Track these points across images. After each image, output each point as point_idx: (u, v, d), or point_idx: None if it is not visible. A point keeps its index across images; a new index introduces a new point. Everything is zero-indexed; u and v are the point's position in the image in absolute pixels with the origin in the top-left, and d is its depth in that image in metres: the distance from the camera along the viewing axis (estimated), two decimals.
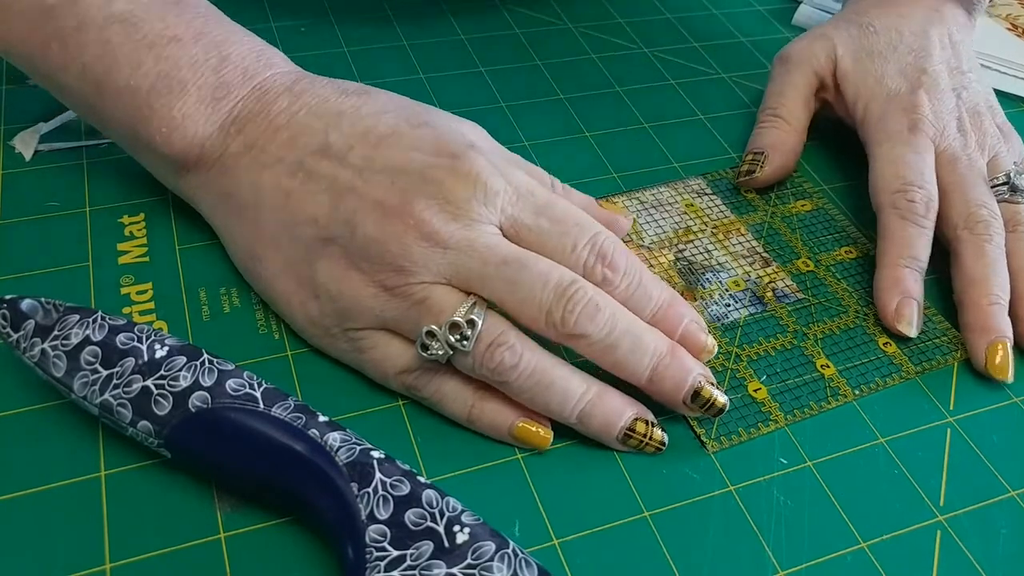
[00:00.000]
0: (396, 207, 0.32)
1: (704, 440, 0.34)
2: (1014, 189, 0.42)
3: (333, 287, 0.33)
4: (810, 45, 0.48)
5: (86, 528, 0.29)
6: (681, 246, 0.41)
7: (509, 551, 0.27)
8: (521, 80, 0.51)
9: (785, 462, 0.34)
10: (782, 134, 0.46)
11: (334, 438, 0.29)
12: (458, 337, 0.31)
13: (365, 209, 0.32)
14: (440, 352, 0.31)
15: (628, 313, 0.33)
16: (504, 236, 0.33)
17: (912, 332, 0.38)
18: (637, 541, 0.31)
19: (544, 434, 0.33)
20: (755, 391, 0.36)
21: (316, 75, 0.37)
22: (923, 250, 0.39)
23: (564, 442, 0.33)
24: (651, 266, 0.40)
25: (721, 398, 0.33)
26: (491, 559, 0.27)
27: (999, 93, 0.55)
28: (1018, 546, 0.32)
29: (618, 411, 0.33)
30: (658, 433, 0.33)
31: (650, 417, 0.33)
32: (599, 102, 0.50)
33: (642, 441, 0.33)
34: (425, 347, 0.31)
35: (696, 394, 0.33)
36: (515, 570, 0.27)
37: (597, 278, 0.33)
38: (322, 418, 0.29)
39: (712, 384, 0.33)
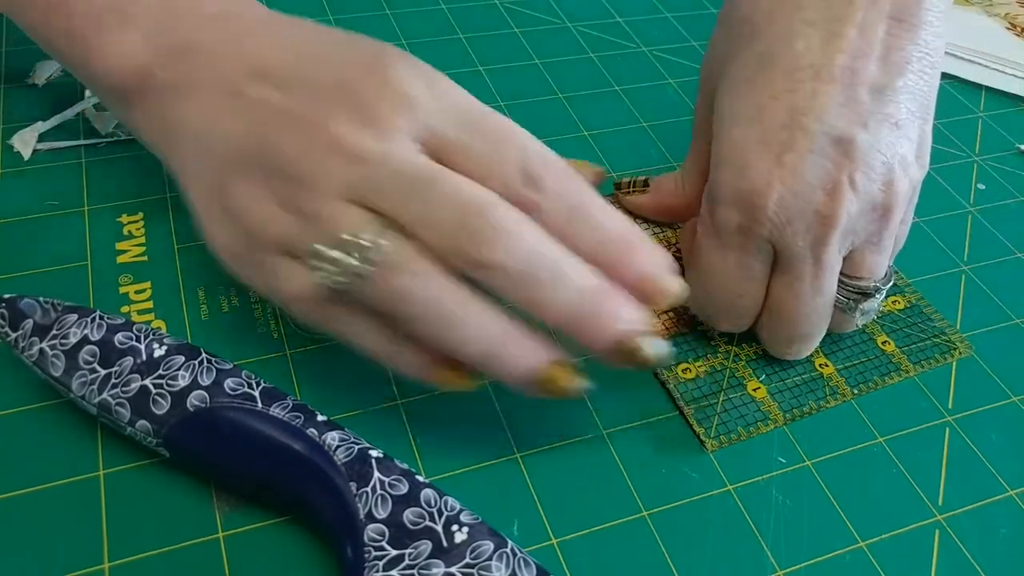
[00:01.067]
0: (311, 120, 0.29)
1: (703, 439, 0.34)
2: (853, 305, 0.34)
3: (242, 206, 0.30)
4: (704, 66, 0.38)
5: (85, 527, 0.29)
6: (680, 246, 0.41)
7: (508, 550, 0.27)
8: (520, 79, 0.51)
9: (784, 461, 0.34)
10: (667, 192, 0.41)
11: (332, 437, 0.29)
12: (356, 258, 0.28)
13: (283, 125, 0.30)
14: (335, 274, 0.28)
15: (552, 243, 0.29)
16: (425, 152, 0.29)
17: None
18: (636, 540, 0.31)
19: (466, 379, 0.30)
20: (754, 390, 0.36)
21: (255, 2, 0.35)
22: None
23: (563, 441, 0.33)
24: None
25: (651, 350, 0.29)
26: (489, 558, 0.27)
27: (997, 93, 0.55)
28: (1017, 546, 0.32)
29: (532, 354, 0.29)
30: (577, 380, 0.30)
31: (570, 360, 0.30)
32: (598, 101, 0.50)
33: (560, 388, 0.29)
34: (316, 268, 0.29)
35: (623, 346, 0.29)
36: (513, 569, 0.27)
37: (523, 202, 0.29)
38: (320, 417, 0.29)
39: (647, 334, 0.29)
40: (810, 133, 0.31)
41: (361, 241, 0.28)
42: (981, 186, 0.48)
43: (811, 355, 0.37)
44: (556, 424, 0.34)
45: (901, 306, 0.40)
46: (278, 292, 0.30)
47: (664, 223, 0.42)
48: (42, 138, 0.43)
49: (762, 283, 0.34)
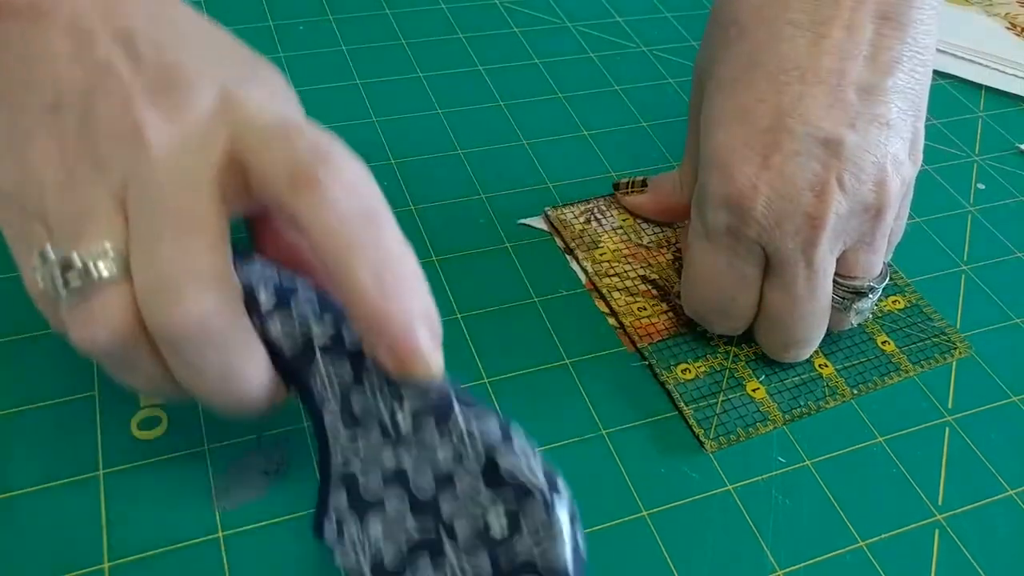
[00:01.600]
0: (137, 100, 0.26)
1: (703, 440, 0.34)
2: (847, 305, 0.34)
3: (34, 155, 0.26)
4: (696, 66, 0.37)
5: (85, 527, 0.29)
6: (680, 245, 0.41)
7: (449, 423, 0.25)
8: (520, 79, 0.51)
9: (784, 461, 0.34)
10: (666, 191, 0.41)
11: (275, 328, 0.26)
12: (65, 277, 0.25)
13: (113, 94, 0.26)
14: (43, 284, 0.25)
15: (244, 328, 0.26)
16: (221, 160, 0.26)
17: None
18: (636, 540, 0.31)
19: None
20: (753, 391, 0.36)
21: None
22: None
23: (563, 441, 0.33)
24: (649, 265, 0.40)
25: None
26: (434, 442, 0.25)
27: (997, 92, 0.55)
28: (1016, 545, 0.32)
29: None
30: None
31: None
32: (597, 101, 0.50)
33: None
34: (36, 268, 0.26)
35: None
36: (462, 437, 0.25)
37: (305, 176, 0.24)
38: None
39: None
40: (796, 135, 0.31)
41: (84, 263, 0.25)
42: (981, 186, 0.48)
43: (810, 355, 0.37)
44: (556, 424, 0.34)
45: (901, 306, 0.40)
46: (20, 262, 0.27)
47: (663, 223, 0.42)
48: None
49: (754, 286, 0.34)
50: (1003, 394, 0.37)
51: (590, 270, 0.40)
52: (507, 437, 0.25)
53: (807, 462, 0.34)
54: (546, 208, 0.42)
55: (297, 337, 0.27)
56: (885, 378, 0.37)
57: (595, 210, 0.43)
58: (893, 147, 0.32)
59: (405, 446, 0.26)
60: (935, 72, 0.52)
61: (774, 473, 0.33)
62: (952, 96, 0.54)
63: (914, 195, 0.35)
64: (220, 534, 0.30)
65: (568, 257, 0.41)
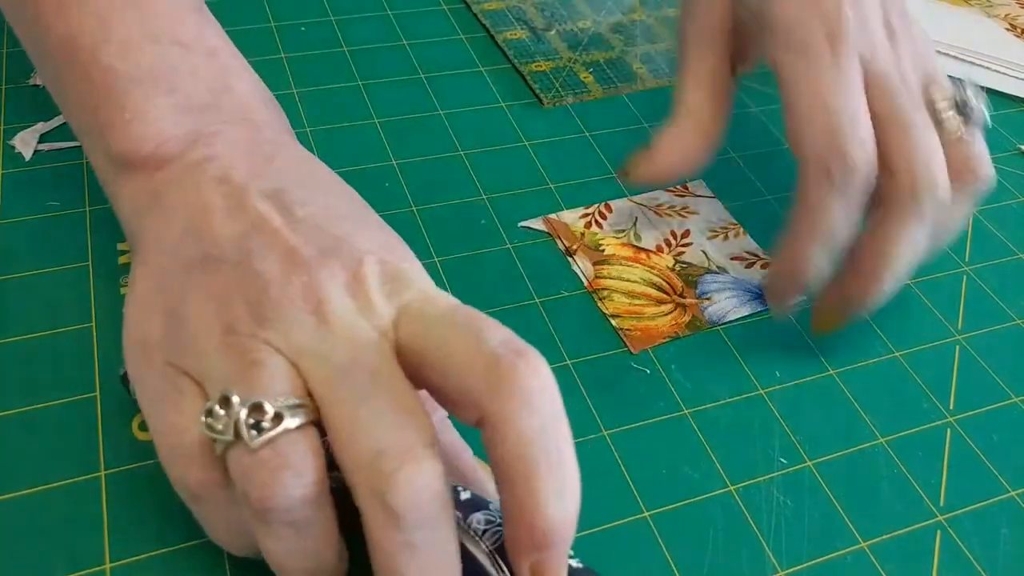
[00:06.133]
0: (303, 259, 0.27)
1: (705, 441, 0.34)
2: (965, 114, 0.35)
3: (188, 308, 0.27)
4: None
5: (86, 528, 0.29)
6: (680, 249, 0.41)
7: None
8: (521, 80, 0.51)
9: (785, 462, 0.34)
10: (674, 133, 0.38)
11: (478, 520, 0.27)
12: (253, 423, 0.24)
13: (272, 247, 0.27)
14: (221, 431, 0.24)
15: (448, 503, 0.24)
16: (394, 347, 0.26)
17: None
18: (637, 541, 0.31)
19: None
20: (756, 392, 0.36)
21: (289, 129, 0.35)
22: (847, 229, 0.34)
23: None
24: (650, 268, 0.40)
25: None
26: None
27: (998, 94, 0.55)
28: (1018, 546, 0.32)
29: None
30: None
31: None
32: (599, 102, 0.50)
33: None
34: (211, 413, 0.24)
35: None
36: None
37: (507, 369, 0.24)
38: (463, 495, 0.27)
39: None
40: None
41: (276, 411, 0.24)
42: None
43: (812, 357, 0.37)
44: None
45: (902, 308, 0.40)
46: (161, 417, 0.26)
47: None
48: (43, 139, 0.43)
49: (867, 105, 0.33)
50: (1004, 395, 0.37)
51: (591, 272, 0.40)
52: None
53: (808, 463, 0.34)
54: (548, 215, 0.42)
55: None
56: (887, 379, 0.37)
57: (596, 213, 0.43)
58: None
59: None
60: None
61: (775, 474, 0.33)
62: None
63: None
64: None
65: (569, 259, 0.41)
